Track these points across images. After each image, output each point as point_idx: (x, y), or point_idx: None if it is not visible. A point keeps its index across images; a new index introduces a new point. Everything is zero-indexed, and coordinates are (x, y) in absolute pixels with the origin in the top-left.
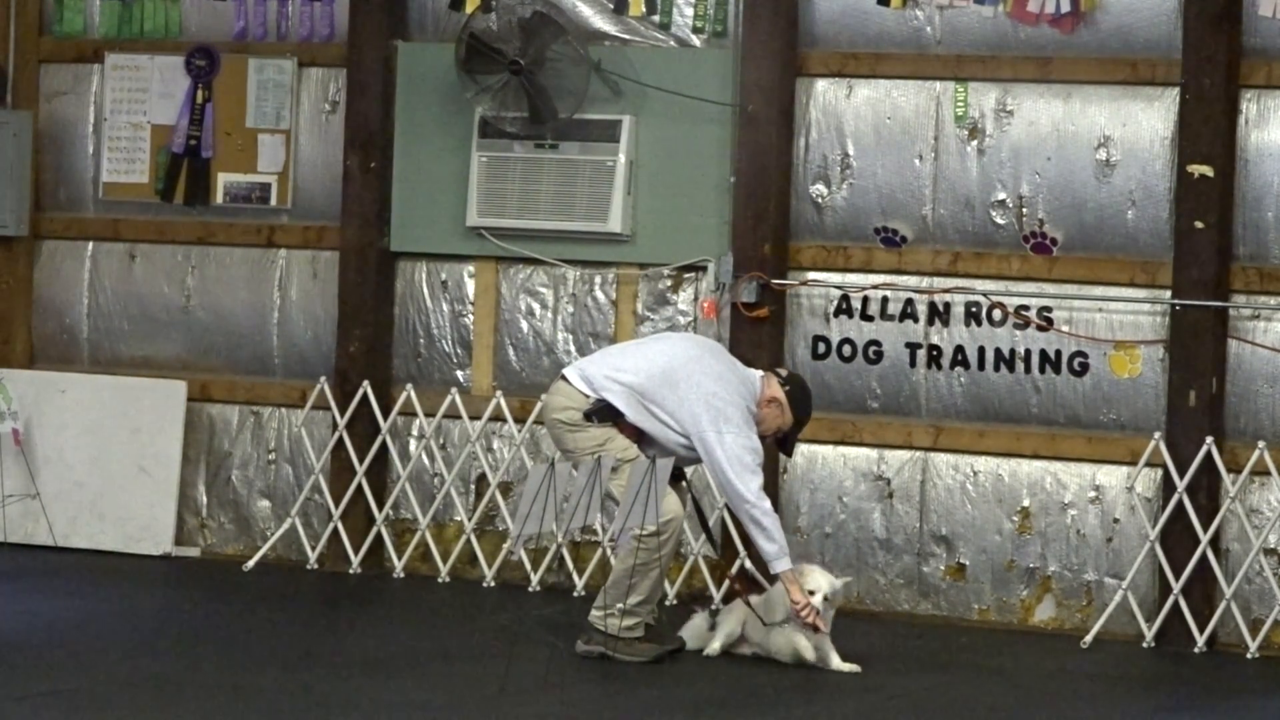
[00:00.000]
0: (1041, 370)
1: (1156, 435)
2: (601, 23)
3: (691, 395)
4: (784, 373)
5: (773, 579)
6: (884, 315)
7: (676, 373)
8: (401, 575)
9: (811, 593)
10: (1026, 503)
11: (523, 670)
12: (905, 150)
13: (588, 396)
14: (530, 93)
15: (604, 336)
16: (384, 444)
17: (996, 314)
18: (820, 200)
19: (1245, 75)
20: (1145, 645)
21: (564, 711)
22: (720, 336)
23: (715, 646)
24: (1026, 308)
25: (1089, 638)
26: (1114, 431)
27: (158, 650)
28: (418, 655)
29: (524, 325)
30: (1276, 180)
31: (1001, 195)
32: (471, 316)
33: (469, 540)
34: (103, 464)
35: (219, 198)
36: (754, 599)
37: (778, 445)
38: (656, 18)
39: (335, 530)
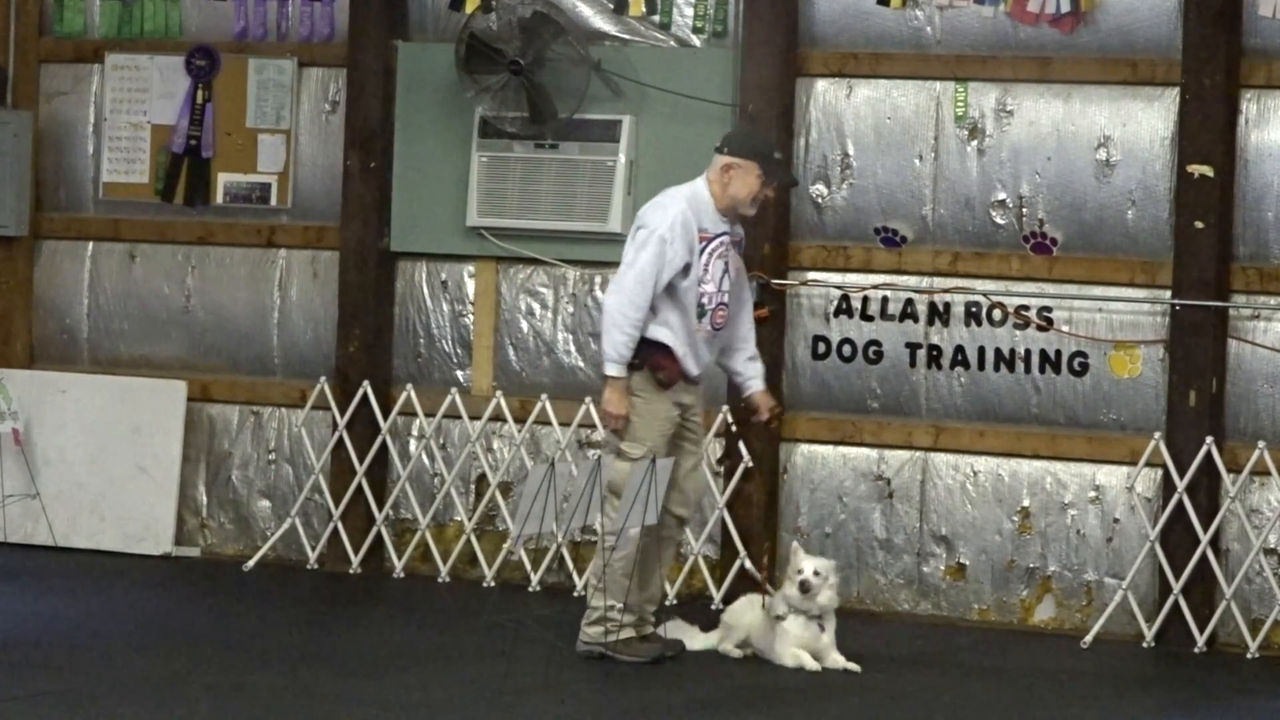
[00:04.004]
0: (1041, 370)
1: (1156, 435)
2: (601, 23)
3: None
4: (718, 142)
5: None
6: (884, 315)
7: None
8: (401, 575)
9: (800, 571)
10: (1026, 503)
11: (523, 670)
12: (905, 150)
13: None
14: (530, 93)
15: None
16: (384, 444)
17: (996, 314)
18: (820, 200)
19: (1245, 75)
20: (1145, 645)
21: (564, 711)
22: None
23: (729, 647)
24: (1026, 308)
25: (1089, 638)
26: (1114, 431)
27: (158, 650)
28: (418, 655)
29: (524, 325)
30: (1276, 180)
31: (1001, 195)
32: (471, 316)
33: (469, 540)
34: (103, 464)
35: (219, 198)
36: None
37: (785, 189)
38: (656, 18)
39: (335, 530)
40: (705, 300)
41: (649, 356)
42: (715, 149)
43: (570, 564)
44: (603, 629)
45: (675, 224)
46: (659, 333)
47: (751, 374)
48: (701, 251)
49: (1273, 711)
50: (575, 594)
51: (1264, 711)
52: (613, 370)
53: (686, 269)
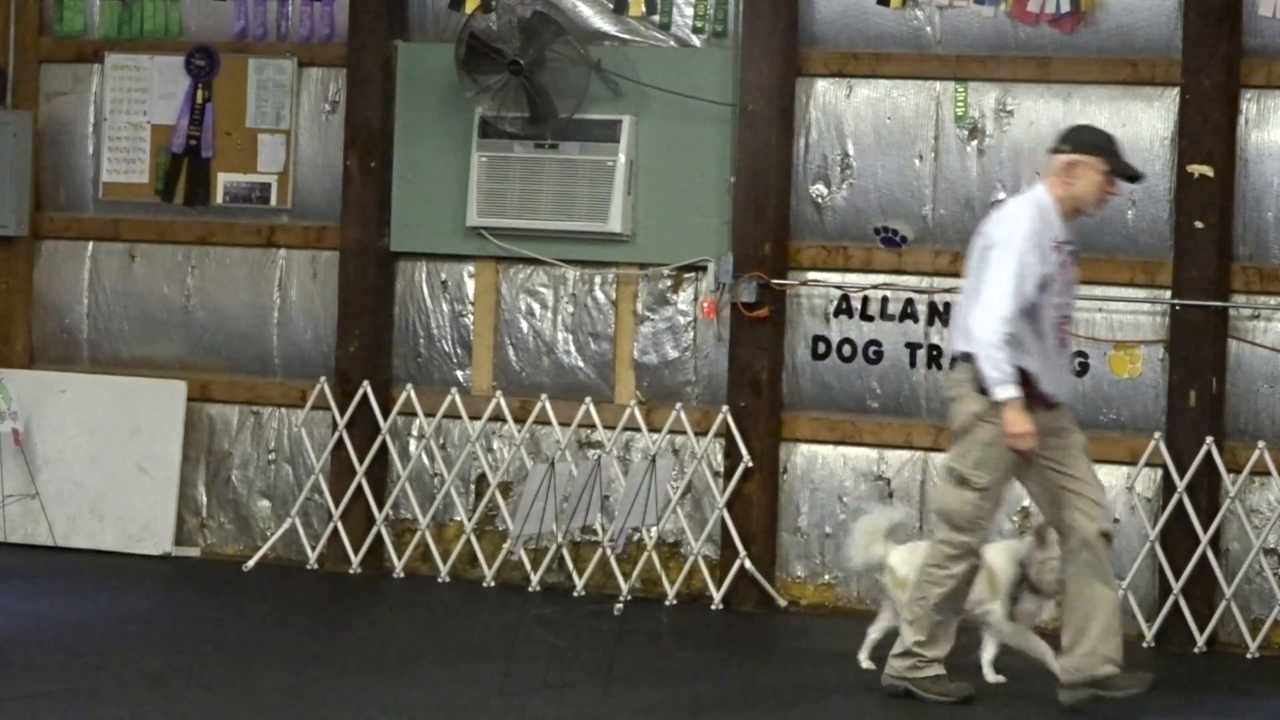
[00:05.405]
0: None
1: (1156, 435)
2: (601, 23)
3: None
4: (1055, 143)
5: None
6: (884, 315)
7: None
8: (401, 575)
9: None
10: (1026, 502)
11: (523, 670)
12: (905, 150)
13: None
14: (530, 93)
15: (604, 336)
16: (384, 444)
17: None
18: (820, 200)
19: (1245, 75)
20: (1145, 645)
21: (564, 712)
22: (720, 336)
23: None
24: None
25: None
26: (1114, 431)
27: (158, 650)
28: (418, 655)
29: (524, 325)
30: (1276, 180)
31: (1001, 195)
32: (471, 316)
33: (469, 540)
34: (103, 464)
35: (219, 198)
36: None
37: (1127, 180)
38: (656, 18)
39: (335, 530)
40: (1056, 314)
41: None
42: (1051, 150)
43: (570, 564)
44: (909, 663)
45: (1028, 236)
46: (1021, 359)
47: (1066, 387)
48: (1053, 262)
49: (1273, 712)
50: (575, 594)
51: (1264, 711)
52: (1004, 392)
53: (1044, 281)
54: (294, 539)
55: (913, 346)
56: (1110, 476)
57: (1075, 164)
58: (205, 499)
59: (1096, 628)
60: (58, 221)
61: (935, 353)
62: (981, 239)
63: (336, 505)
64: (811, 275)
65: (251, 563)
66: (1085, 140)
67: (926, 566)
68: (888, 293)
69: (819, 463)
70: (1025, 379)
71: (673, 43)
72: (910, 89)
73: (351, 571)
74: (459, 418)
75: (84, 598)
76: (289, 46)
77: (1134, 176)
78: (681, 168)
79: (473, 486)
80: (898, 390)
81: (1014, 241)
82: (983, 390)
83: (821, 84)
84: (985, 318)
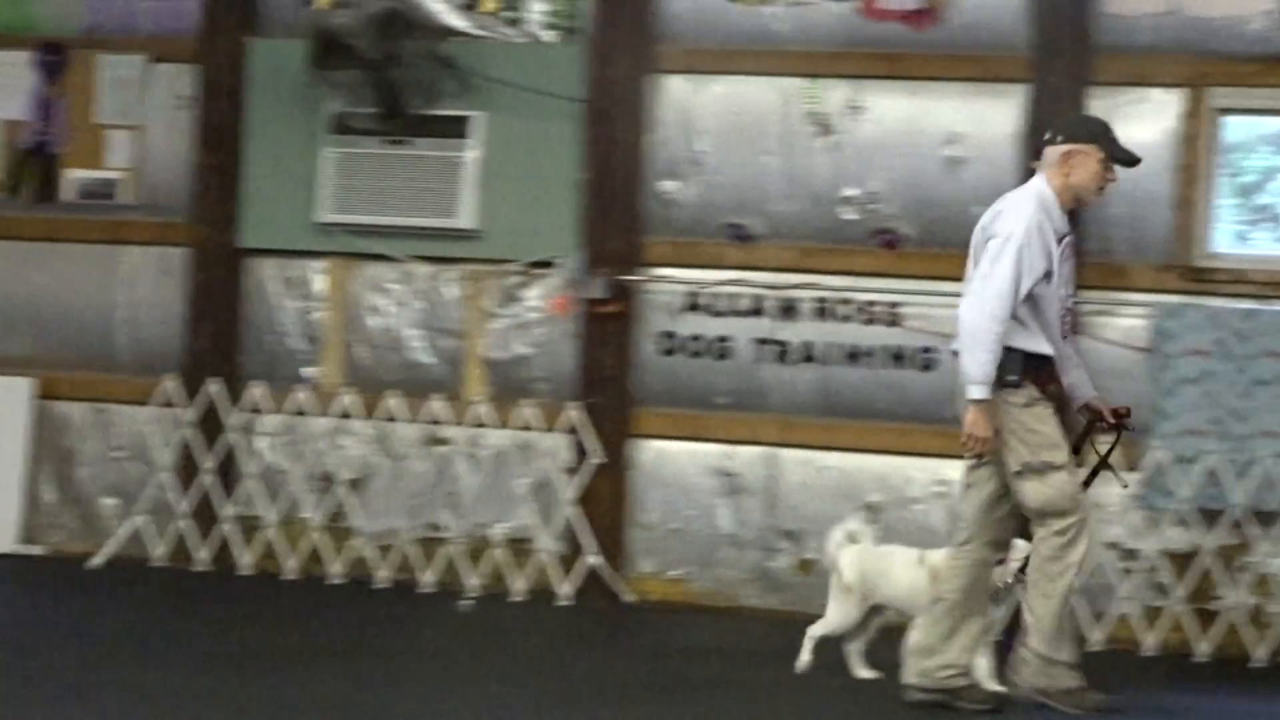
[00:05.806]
0: (889, 366)
1: None
2: (453, 19)
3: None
4: (1049, 133)
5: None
6: (733, 311)
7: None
8: (250, 573)
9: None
10: (874, 497)
11: (368, 668)
12: (755, 146)
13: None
14: (381, 88)
15: (454, 333)
16: (232, 440)
17: (844, 310)
18: (670, 196)
19: (1094, 72)
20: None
21: (410, 707)
22: (570, 333)
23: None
24: (874, 303)
25: None
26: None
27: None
28: (264, 653)
29: (373, 321)
30: (1122, 177)
31: (851, 191)
32: (320, 313)
33: (317, 537)
34: None
35: (67, 194)
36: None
37: (1127, 165)
38: (508, 14)
39: (183, 527)
40: (1060, 307)
41: (1035, 371)
42: (1045, 141)
43: (418, 561)
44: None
45: (1031, 229)
46: (1040, 345)
47: (1082, 381)
48: (1055, 255)
49: (1116, 704)
50: (419, 591)
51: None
52: (978, 393)
53: (1048, 275)
54: (141, 536)
55: (761, 342)
56: (958, 470)
57: (1072, 154)
58: (51, 496)
59: (964, 640)
60: None
61: (784, 348)
62: (982, 234)
63: (184, 502)
64: (661, 271)
65: (98, 560)
66: (1080, 129)
67: (1042, 564)
68: (737, 288)
69: (667, 458)
70: (1055, 367)
71: (524, 39)
72: (761, 85)
73: (200, 569)
74: (308, 414)
75: None
76: (140, 42)
77: (1131, 161)
78: (533, 164)
79: (321, 483)
80: (746, 386)
81: (1014, 235)
82: (1003, 383)
83: (672, 80)
84: (977, 313)
